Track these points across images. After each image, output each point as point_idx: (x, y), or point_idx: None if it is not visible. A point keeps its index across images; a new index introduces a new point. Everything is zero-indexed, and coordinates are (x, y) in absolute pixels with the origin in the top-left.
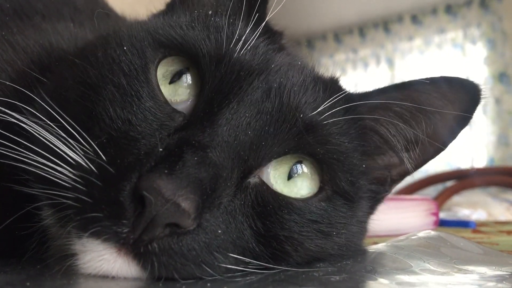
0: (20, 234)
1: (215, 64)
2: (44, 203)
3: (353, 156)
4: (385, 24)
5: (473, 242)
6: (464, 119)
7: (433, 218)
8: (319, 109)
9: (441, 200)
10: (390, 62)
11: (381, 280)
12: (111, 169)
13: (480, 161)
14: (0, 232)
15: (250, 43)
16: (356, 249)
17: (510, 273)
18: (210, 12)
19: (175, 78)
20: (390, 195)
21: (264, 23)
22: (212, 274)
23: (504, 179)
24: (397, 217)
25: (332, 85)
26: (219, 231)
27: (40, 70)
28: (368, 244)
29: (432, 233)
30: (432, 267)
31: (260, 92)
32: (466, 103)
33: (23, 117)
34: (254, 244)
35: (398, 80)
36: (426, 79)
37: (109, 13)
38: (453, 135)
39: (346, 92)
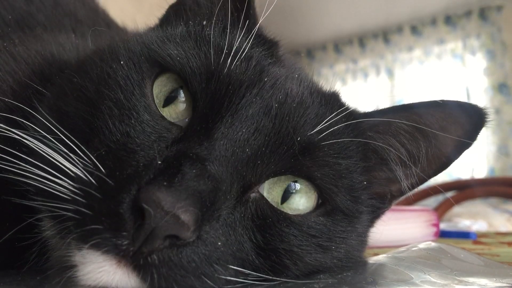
0: (20, 245)
1: (205, 82)
2: (44, 215)
3: (354, 173)
4: (385, 35)
5: (473, 254)
6: (464, 144)
7: (434, 229)
8: (318, 128)
9: (441, 210)
10: (390, 73)
11: None
12: (110, 181)
13: (480, 172)
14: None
15: (242, 55)
16: (356, 261)
17: (510, 285)
18: (204, 23)
19: (170, 100)
20: None
21: (254, 32)
22: (212, 286)
23: (504, 190)
24: (397, 228)
25: (333, 100)
26: (219, 243)
27: (41, 81)
28: (369, 255)
29: (433, 244)
30: (432, 279)
31: (257, 108)
32: (468, 128)
33: (22, 132)
34: (253, 257)
35: (397, 90)
36: (430, 102)
37: (110, 24)
38: (452, 158)
39: (347, 108)
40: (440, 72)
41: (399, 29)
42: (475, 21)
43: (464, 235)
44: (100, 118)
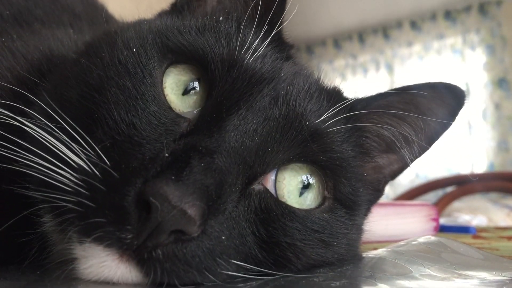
0: (20, 240)
1: (227, 69)
2: (44, 206)
3: (354, 163)
4: (385, 30)
5: (473, 248)
6: (449, 121)
7: (433, 224)
8: (323, 117)
9: (441, 205)
10: (390, 68)
11: (381, 285)
12: (115, 174)
13: (480, 167)
14: None
15: (259, 51)
16: (354, 254)
17: (510, 278)
18: (221, 18)
19: (189, 89)
20: (390, 201)
21: (274, 33)
22: (214, 280)
23: (504, 185)
24: (397, 223)
25: (336, 94)
26: (223, 237)
27: (40, 76)
28: (369, 249)
29: (432, 238)
30: (432, 273)
31: (268, 99)
32: (453, 107)
33: (24, 119)
34: (256, 251)
35: (397, 85)
36: (423, 84)
37: (109, 19)
38: (437, 135)
39: (349, 100)
40: (439, 67)
41: (399, 25)
42: (474, 16)
43: (463, 229)
44: (105, 105)
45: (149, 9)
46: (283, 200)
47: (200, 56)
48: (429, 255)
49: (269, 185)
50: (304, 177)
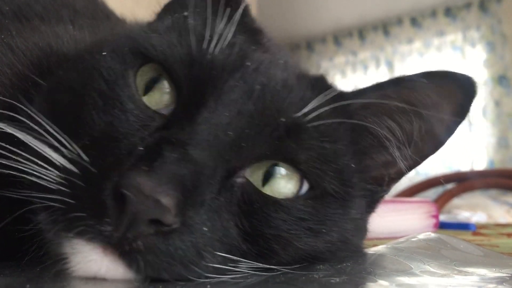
0: (20, 236)
1: (188, 68)
2: (36, 206)
3: (343, 156)
4: (385, 27)
5: (473, 244)
6: (460, 115)
7: (433, 221)
8: (304, 110)
9: (441, 202)
10: (390, 65)
11: (381, 282)
12: (93, 170)
13: (480, 164)
14: None
15: (224, 42)
16: (355, 249)
17: (510, 275)
18: (186, 14)
19: (149, 88)
20: (390, 198)
21: (237, 18)
22: (200, 273)
23: (504, 182)
24: (397, 220)
25: (320, 83)
26: (205, 229)
27: (40, 73)
28: (368, 246)
29: (432, 235)
30: (432, 269)
31: (240, 92)
32: (461, 98)
33: (8, 124)
34: (240, 242)
35: None
36: (421, 74)
37: (110, 15)
38: (449, 132)
39: (334, 90)
40: (440, 64)
41: (399, 21)
42: (475, 13)
43: (463, 226)
44: (85, 109)
45: (149, 6)
46: (266, 191)
47: (161, 57)
48: (429, 252)
49: (251, 178)
50: (283, 170)
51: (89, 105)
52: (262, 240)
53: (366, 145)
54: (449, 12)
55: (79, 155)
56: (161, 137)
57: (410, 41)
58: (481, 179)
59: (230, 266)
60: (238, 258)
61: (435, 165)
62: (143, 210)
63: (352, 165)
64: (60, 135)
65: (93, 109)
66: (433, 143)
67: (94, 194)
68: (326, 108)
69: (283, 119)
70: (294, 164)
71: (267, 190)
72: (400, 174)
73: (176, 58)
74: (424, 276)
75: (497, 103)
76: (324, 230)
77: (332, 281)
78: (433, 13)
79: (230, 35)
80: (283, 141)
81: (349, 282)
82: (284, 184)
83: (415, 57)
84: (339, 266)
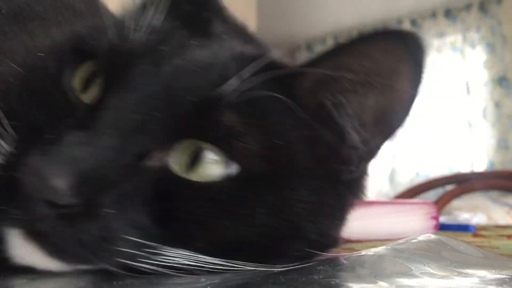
0: None
1: (107, 59)
2: None
3: (279, 133)
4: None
5: (473, 246)
6: (417, 76)
7: (433, 222)
8: (225, 87)
9: (441, 204)
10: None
11: (381, 283)
12: (13, 159)
13: (480, 165)
14: None
15: (146, 30)
16: (318, 236)
17: (510, 277)
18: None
19: (88, 85)
20: (390, 200)
21: (168, 8)
22: (114, 260)
23: (504, 183)
24: (397, 221)
25: (257, 58)
26: (111, 212)
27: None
28: (368, 247)
29: (432, 236)
30: (432, 271)
31: (149, 75)
32: (415, 57)
33: None
34: (155, 228)
35: None
36: (359, 39)
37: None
38: (412, 97)
39: (269, 60)
40: (439, 65)
41: (399, 22)
42: (475, 14)
43: (463, 228)
44: (24, 104)
45: None
46: (182, 175)
47: (93, 53)
48: (429, 253)
49: (166, 161)
50: (210, 153)
51: (26, 101)
52: (176, 224)
53: (308, 122)
54: (449, 13)
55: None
56: (67, 124)
57: None
58: (481, 180)
59: (147, 253)
60: (155, 244)
61: (435, 166)
62: (35, 191)
63: (294, 142)
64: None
65: (29, 103)
66: (397, 114)
67: (6, 181)
68: (258, 82)
69: (192, 98)
70: (217, 144)
71: (192, 174)
72: (370, 151)
73: (102, 51)
74: (424, 278)
75: (497, 104)
76: (249, 213)
77: (332, 282)
78: (433, 15)
79: (157, 23)
80: (193, 120)
81: (349, 283)
82: (211, 167)
83: None
84: (339, 267)
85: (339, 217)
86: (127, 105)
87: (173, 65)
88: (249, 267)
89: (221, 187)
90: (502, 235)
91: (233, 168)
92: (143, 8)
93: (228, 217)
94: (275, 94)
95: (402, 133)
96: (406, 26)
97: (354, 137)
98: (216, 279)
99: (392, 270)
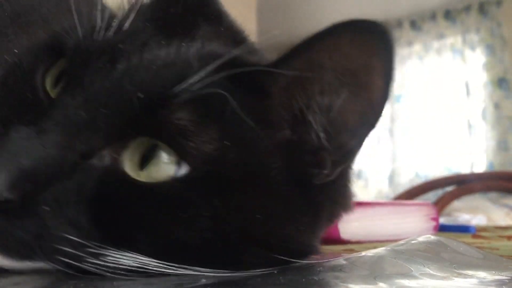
0: None
1: (71, 55)
2: None
3: (234, 134)
4: None
5: (473, 247)
6: (388, 72)
7: (433, 223)
8: (182, 84)
9: (441, 205)
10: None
11: (381, 284)
12: None
13: (479, 166)
14: None
15: (119, 30)
16: (282, 242)
17: (510, 278)
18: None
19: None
20: (390, 201)
21: (139, 9)
22: (56, 258)
23: (504, 184)
24: (397, 222)
25: (222, 56)
26: (51, 211)
27: None
28: (368, 248)
29: (432, 237)
30: (432, 272)
31: (103, 73)
32: (383, 52)
33: None
34: (95, 228)
35: (397, 85)
36: (325, 32)
37: None
38: (384, 95)
39: (234, 58)
40: (439, 67)
41: (399, 24)
42: (474, 16)
43: (463, 229)
44: None
45: None
46: (132, 174)
47: (64, 51)
48: (429, 254)
49: (117, 160)
50: (162, 152)
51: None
52: (119, 225)
53: (279, 121)
54: (448, 15)
55: None
56: (20, 119)
57: (409, 44)
58: (481, 181)
59: (90, 254)
60: (97, 245)
61: (435, 167)
62: None
63: (253, 144)
64: None
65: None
66: (369, 114)
67: None
68: (207, 81)
69: (143, 96)
70: (168, 143)
71: (143, 173)
72: (344, 154)
73: (69, 48)
74: (423, 279)
75: (497, 106)
76: (191, 216)
77: (332, 283)
78: (433, 16)
79: (128, 24)
80: (144, 118)
81: (349, 284)
82: (163, 166)
83: (415, 60)
84: (339, 268)
85: (311, 223)
86: (76, 102)
87: (129, 63)
88: (200, 272)
89: (168, 188)
90: (502, 236)
91: (184, 169)
92: (122, 8)
93: (172, 220)
94: (221, 91)
95: (402, 133)
96: (406, 27)
97: (326, 139)
98: (215, 280)
99: (392, 271)
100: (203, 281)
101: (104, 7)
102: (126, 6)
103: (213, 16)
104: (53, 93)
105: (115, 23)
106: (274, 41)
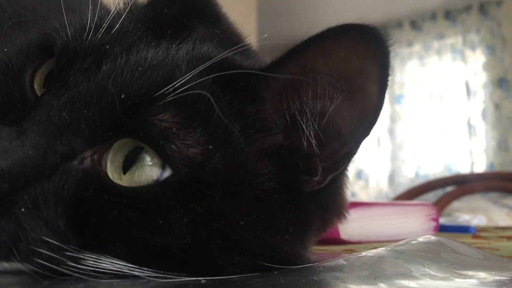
0: None
1: (57, 58)
2: None
3: (222, 137)
4: (384, 30)
5: (473, 248)
6: (384, 78)
7: (433, 224)
8: (168, 86)
9: (441, 205)
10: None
11: (381, 284)
12: None
13: (480, 167)
14: None
15: (108, 30)
16: (275, 251)
17: (510, 278)
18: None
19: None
20: (390, 201)
21: (129, 9)
22: (33, 260)
23: (504, 185)
24: (397, 223)
25: (211, 59)
26: (27, 212)
27: None
28: (368, 248)
29: (432, 238)
30: (432, 272)
31: (88, 74)
32: (378, 58)
33: None
34: (71, 232)
35: (397, 85)
36: (324, 33)
37: None
38: (379, 103)
39: (223, 62)
40: (439, 67)
41: (399, 24)
42: (474, 16)
43: (463, 229)
44: None
45: None
46: (110, 177)
47: (51, 50)
48: (429, 255)
49: (98, 162)
50: (145, 155)
51: None
52: (94, 230)
53: (271, 126)
54: (449, 15)
55: None
56: (3, 119)
57: (410, 44)
58: (481, 182)
59: (68, 257)
60: (75, 248)
61: (435, 168)
62: None
63: (239, 149)
64: None
65: None
66: (363, 121)
67: None
68: (193, 84)
69: (126, 98)
70: (150, 145)
71: (125, 176)
72: (336, 162)
73: (57, 48)
74: (424, 279)
75: (497, 106)
76: (170, 221)
77: (332, 283)
78: (433, 16)
79: (117, 25)
80: (127, 120)
81: (349, 284)
82: (145, 169)
83: (415, 60)
84: (339, 268)
85: (299, 231)
86: (59, 103)
87: (114, 64)
88: (178, 277)
89: (147, 193)
90: (502, 237)
91: (167, 172)
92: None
93: (150, 225)
94: (205, 93)
95: (402, 133)
96: (406, 27)
97: (318, 145)
98: (215, 281)
99: (392, 272)
100: (203, 281)
101: (98, 7)
102: (121, 6)
103: (210, 18)
104: (41, 93)
105: (105, 24)
106: (274, 41)
